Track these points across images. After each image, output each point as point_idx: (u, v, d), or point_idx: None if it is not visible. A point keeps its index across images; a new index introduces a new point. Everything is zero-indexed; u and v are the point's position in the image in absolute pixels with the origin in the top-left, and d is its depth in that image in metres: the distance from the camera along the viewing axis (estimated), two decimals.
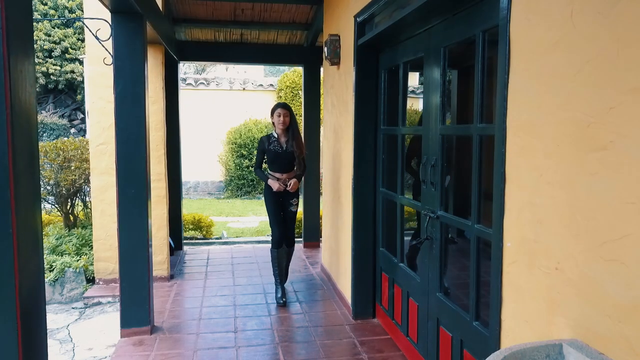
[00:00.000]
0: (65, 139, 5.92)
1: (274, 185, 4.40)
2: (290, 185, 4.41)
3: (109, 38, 3.58)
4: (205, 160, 12.30)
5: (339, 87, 4.54)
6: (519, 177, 1.79)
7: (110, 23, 3.56)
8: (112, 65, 3.57)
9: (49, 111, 18.52)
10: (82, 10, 8.02)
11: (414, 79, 11.39)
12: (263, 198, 4.72)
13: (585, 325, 1.46)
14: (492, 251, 1.97)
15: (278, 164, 4.47)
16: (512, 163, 1.83)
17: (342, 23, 4.37)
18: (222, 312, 4.27)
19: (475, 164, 2.40)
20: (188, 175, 12.18)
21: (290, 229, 4.60)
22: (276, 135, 4.46)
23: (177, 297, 4.65)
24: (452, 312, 2.69)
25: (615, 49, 1.34)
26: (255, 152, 8.57)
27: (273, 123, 4.49)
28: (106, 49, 3.69)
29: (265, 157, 4.53)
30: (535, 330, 1.71)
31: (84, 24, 4.03)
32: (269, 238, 5.83)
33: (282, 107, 4.41)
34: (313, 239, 6.53)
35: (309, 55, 6.35)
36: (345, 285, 4.40)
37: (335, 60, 4.51)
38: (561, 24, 1.56)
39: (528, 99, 1.73)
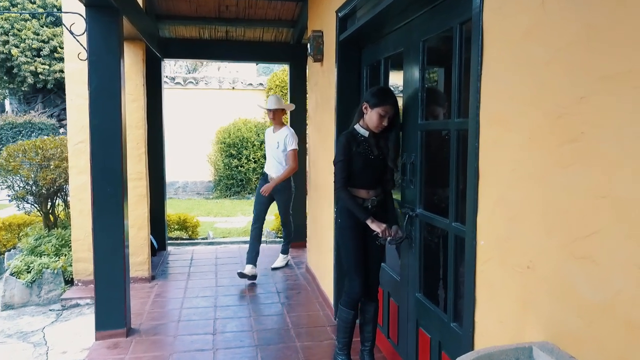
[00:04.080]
0: (46, 137, 5.80)
1: (379, 228, 2.81)
2: (395, 233, 2.85)
3: (84, 33, 3.49)
4: (194, 160, 12.19)
5: (323, 84, 4.47)
6: (493, 172, 1.72)
7: (85, 17, 3.47)
8: (86, 60, 3.48)
9: (37, 111, 18.33)
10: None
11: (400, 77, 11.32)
12: (339, 230, 3.05)
13: (557, 327, 1.39)
14: (466, 249, 1.90)
15: (367, 175, 2.94)
16: (486, 157, 1.76)
17: (325, 19, 4.30)
18: (203, 313, 4.18)
19: (453, 160, 2.33)
20: (177, 175, 12.08)
21: (375, 274, 3.12)
22: (365, 134, 2.96)
23: (157, 299, 4.55)
24: (431, 313, 2.62)
25: (585, 35, 1.27)
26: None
27: (363, 115, 2.93)
28: (81, 44, 3.59)
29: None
30: (509, 332, 1.64)
31: (56, 17, 3.92)
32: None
33: (392, 104, 2.84)
34: (300, 238, 6.43)
35: (295, 53, 6.27)
36: (328, 285, 4.32)
37: (319, 56, 4.44)
38: (533, 11, 1.49)
39: (501, 90, 1.66)
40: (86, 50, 3.48)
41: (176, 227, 7.35)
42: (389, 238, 2.84)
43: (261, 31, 6.25)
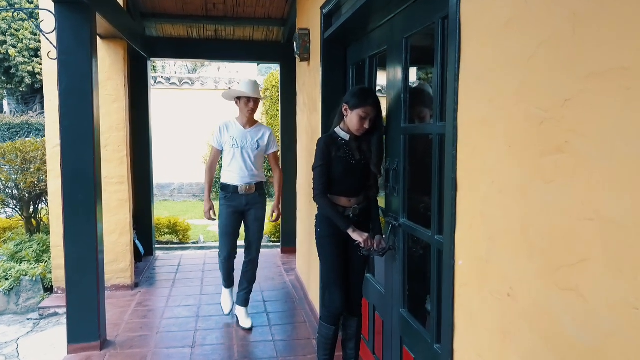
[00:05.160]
0: (27, 139, 5.64)
1: (361, 238, 2.62)
2: (379, 243, 2.68)
3: (53, 30, 3.31)
4: (189, 161, 12.02)
5: (310, 84, 4.28)
6: (472, 183, 1.52)
7: (54, 14, 3.29)
8: (56, 59, 3.30)
9: (35, 111, 18.19)
10: None
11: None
12: (319, 240, 2.84)
13: None
14: (444, 269, 1.71)
15: (348, 182, 2.74)
16: (464, 167, 1.56)
17: (311, 16, 4.11)
18: (183, 324, 4.00)
19: (435, 167, 2.14)
20: (172, 177, 11.92)
21: (357, 287, 2.90)
22: (345, 137, 2.75)
23: (138, 308, 4.36)
24: (414, 331, 2.43)
25: (570, 26, 1.07)
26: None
27: (343, 117, 2.73)
28: (51, 42, 3.42)
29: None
30: None
31: (21, 13, 3.75)
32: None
33: (373, 105, 2.63)
34: (291, 243, 6.24)
35: (286, 52, 6.05)
36: (315, 295, 4.13)
37: (305, 56, 4.25)
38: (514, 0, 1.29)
39: (480, 91, 1.47)
40: (56, 49, 3.30)
41: (166, 230, 7.18)
42: (372, 249, 2.65)
43: (251, 30, 6.06)
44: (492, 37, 1.40)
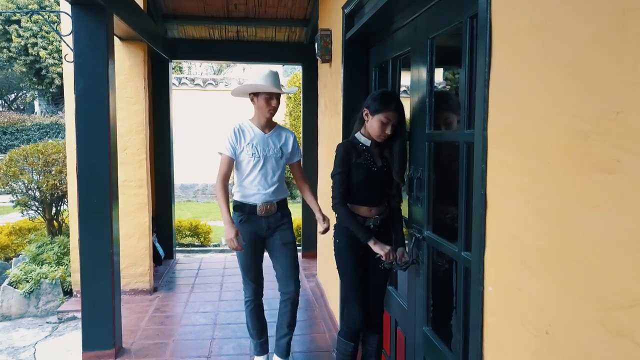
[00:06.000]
0: (50, 141, 5.66)
1: (382, 251, 2.47)
2: (401, 256, 2.52)
3: (70, 33, 3.25)
4: (213, 162, 12.00)
5: (331, 86, 4.14)
6: (503, 202, 1.36)
7: (71, 16, 3.24)
8: (72, 62, 3.25)
9: (65, 112, 18.56)
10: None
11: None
12: (337, 251, 2.68)
13: None
14: (472, 294, 1.55)
15: (368, 190, 2.57)
16: (494, 183, 1.40)
17: (333, 16, 3.97)
18: (200, 332, 3.91)
19: (462, 178, 1.98)
20: (196, 177, 11.95)
21: (378, 303, 2.73)
22: (366, 143, 2.59)
23: (155, 314, 4.30)
24: (439, 353, 2.27)
25: (619, 22, 0.91)
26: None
27: (364, 122, 2.57)
28: (67, 45, 3.37)
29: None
30: None
31: (51, 15, 3.71)
32: None
33: (395, 110, 2.45)
34: (312, 248, 6.12)
35: (308, 54, 5.94)
36: (335, 304, 3.99)
37: (327, 57, 4.11)
38: None
39: (513, 100, 1.31)
40: (72, 51, 3.24)
41: (188, 233, 7.14)
42: (394, 262, 2.51)
43: (273, 31, 5.96)
44: (528, 38, 1.24)
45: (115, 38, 4.35)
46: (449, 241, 2.19)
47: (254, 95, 3.05)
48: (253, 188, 3.03)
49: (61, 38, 3.33)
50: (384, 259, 2.49)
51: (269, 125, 3.14)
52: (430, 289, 2.43)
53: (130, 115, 4.53)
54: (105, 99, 3.28)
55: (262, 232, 3.07)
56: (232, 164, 3.07)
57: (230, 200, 3.00)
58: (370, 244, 2.51)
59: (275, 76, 3.04)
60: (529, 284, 1.23)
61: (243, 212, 3.05)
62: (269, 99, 3.01)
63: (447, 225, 2.40)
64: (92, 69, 3.26)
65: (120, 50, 4.46)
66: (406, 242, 2.66)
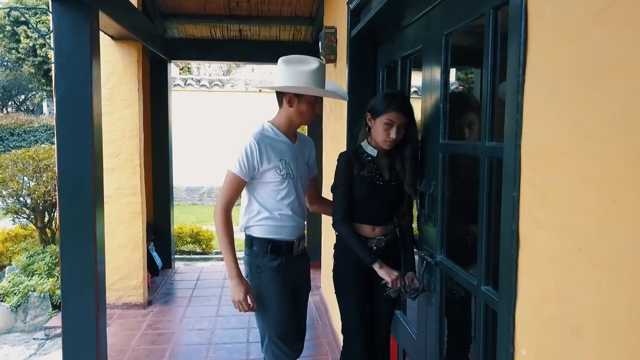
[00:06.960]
0: (43, 146, 5.42)
1: (389, 277, 2.15)
2: (411, 282, 2.23)
3: (51, 31, 2.99)
4: (219, 164, 11.77)
5: None
6: (543, 244, 1.06)
7: (52, 13, 2.97)
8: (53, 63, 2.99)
9: None
10: None
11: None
12: (336, 274, 2.38)
13: None
14: (499, 355, 1.24)
15: (372, 207, 2.25)
16: (530, 216, 1.10)
17: (338, 13, 3.69)
18: (193, 352, 3.64)
19: (483, 199, 1.67)
20: (202, 180, 11.74)
21: (383, 334, 2.42)
22: (372, 153, 2.26)
23: (148, 331, 4.03)
24: None
25: None
26: None
27: (369, 129, 2.24)
28: (49, 45, 3.10)
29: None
30: None
31: (22, 14, 3.46)
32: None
33: (398, 109, 2.12)
34: (316, 258, 5.81)
35: (314, 53, 5.62)
36: (338, 322, 3.69)
37: (331, 56, 3.82)
38: None
39: (557, 111, 1.00)
40: (53, 51, 2.98)
41: (189, 240, 6.89)
42: (402, 290, 2.20)
43: (277, 29, 5.68)
44: (578, 33, 0.93)
45: (107, 37, 4.10)
46: (466, 269, 1.89)
47: (295, 96, 2.25)
48: (289, 219, 2.31)
49: (41, 36, 3.08)
50: (390, 286, 2.19)
51: (294, 133, 2.40)
52: (443, 320, 2.13)
53: (124, 118, 4.27)
54: (89, 103, 3.01)
55: (299, 280, 2.40)
56: (242, 188, 2.28)
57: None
58: (376, 267, 2.20)
59: (324, 73, 2.31)
60: (581, 356, 0.93)
61: (278, 253, 2.28)
62: (315, 102, 2.31)
63: (464, 251, 2.09)
64: (75, 71, 2.99)
65: (113, 50, 4.20)
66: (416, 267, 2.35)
